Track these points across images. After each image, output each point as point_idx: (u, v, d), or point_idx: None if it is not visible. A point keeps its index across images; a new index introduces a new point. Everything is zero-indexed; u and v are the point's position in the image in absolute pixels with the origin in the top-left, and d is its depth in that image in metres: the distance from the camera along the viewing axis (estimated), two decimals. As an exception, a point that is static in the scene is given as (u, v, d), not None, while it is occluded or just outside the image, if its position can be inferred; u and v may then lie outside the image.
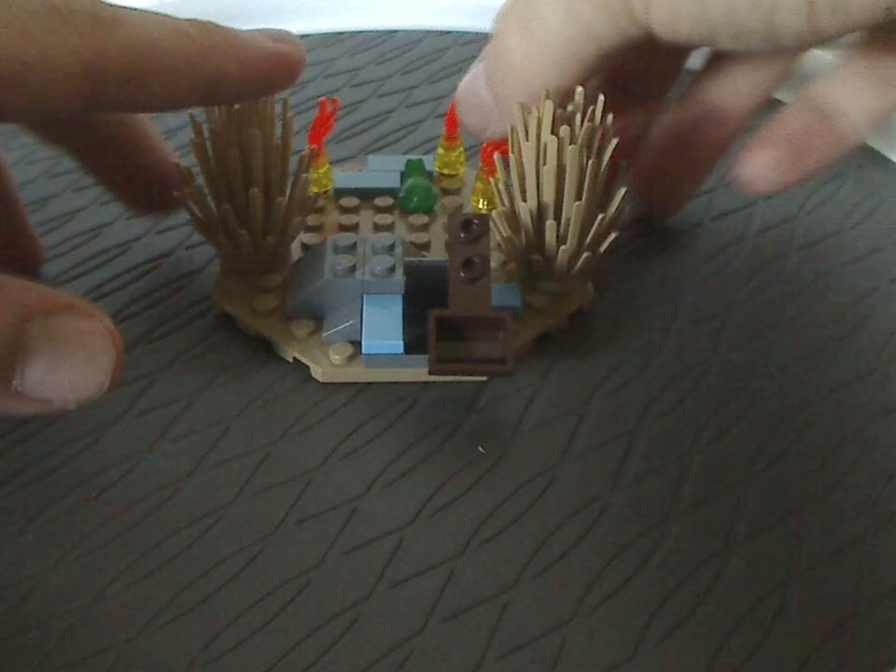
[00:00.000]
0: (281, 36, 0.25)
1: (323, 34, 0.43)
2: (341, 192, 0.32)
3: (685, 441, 0.25)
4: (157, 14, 0.23)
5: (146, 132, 0.29)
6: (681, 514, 0.23)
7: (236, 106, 0.26)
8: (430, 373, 0.24)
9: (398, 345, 0.25)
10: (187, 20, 0.23)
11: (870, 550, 0.22)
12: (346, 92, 0.39)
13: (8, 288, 0.20)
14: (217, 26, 0.23)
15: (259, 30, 0.25)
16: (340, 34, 0.44)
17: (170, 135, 0.36)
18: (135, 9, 0.22)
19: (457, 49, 0.43)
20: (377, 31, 0.44)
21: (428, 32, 0.44)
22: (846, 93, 0.28)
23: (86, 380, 0.20)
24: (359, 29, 0.44)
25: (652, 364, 0.27)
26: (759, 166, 0.28)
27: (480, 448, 0.24)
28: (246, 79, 0.24)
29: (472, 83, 0.28)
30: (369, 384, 0.26)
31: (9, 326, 0.19)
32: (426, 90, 0.40)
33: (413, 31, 0.44)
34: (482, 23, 0.44)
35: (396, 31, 0.44)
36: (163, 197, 0.30)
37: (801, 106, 0.29)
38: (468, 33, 0.44)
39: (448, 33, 0.44)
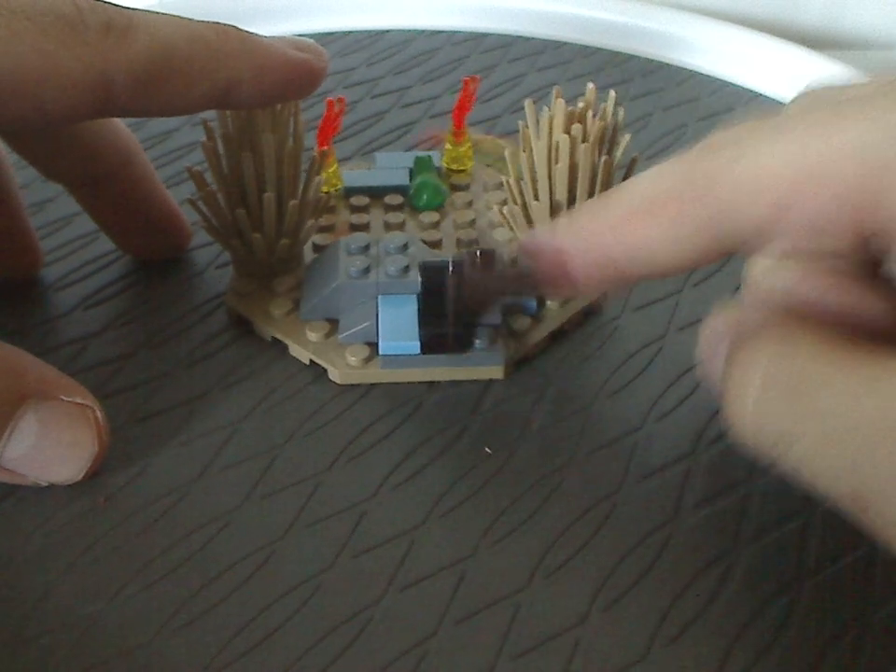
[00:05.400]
0: (304, 45, 0.24)
1: (313, 34, 0.43)
2: (351, 191, 0.32)
3: (690, 439, 0.25)
4: (174, 17, 0.22)
5: (147, 175, 0.28)
6: (689, 512, 0.23)
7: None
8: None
9: (414, 346, 0.25)
10: (205, 23, 0.23)
11: (876, 551, 0.22)
12: (339, 93, 0.38)
13: (10, 365, 0.20)
14: (238, 30, 0.23)
15: (281, 37, 0.24)
16: (330, 34, 0.43)
17: (167, 137, 0.36)
18: (152, 13, 0.22)
19: (449, 48, 0.43)
20: (368, 31, 0.44)
21: (420, 32, 0.44)
22: None
23: (64, 466, 0.22)
24: (350, 29, 0.44)
25: (656, 362, 0.27)
26: None
27: (486, 449, 0.24)
28: (263, 86, 0.23)
29: None
30: (374, 386, 0.26)
31: (2, 402, 0.20)
32: (419, 90, 0.40)
33: (404, 31, 0.44)
34: (472, 23, 0.44)
35: (387, 31, 0.44)
36: (161, 242, 0.30)
37: None
38: (459, 32, 0.44)
39: (439, 32, 0.44)
